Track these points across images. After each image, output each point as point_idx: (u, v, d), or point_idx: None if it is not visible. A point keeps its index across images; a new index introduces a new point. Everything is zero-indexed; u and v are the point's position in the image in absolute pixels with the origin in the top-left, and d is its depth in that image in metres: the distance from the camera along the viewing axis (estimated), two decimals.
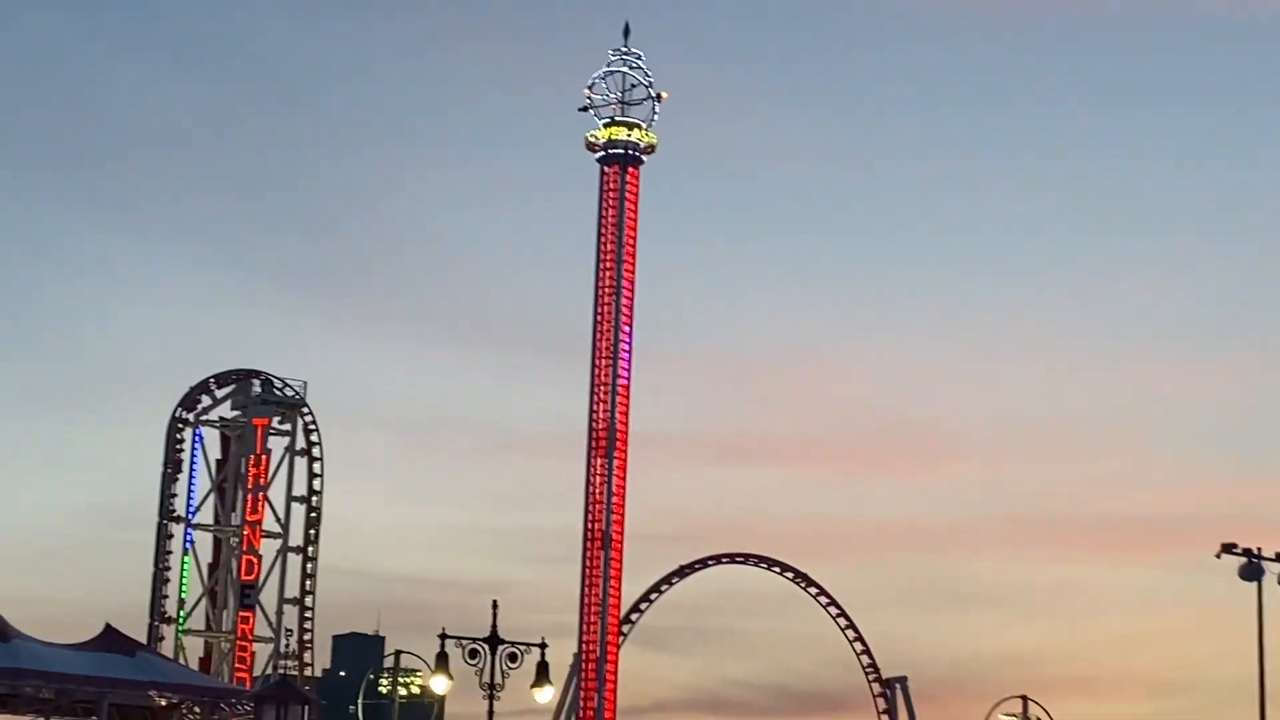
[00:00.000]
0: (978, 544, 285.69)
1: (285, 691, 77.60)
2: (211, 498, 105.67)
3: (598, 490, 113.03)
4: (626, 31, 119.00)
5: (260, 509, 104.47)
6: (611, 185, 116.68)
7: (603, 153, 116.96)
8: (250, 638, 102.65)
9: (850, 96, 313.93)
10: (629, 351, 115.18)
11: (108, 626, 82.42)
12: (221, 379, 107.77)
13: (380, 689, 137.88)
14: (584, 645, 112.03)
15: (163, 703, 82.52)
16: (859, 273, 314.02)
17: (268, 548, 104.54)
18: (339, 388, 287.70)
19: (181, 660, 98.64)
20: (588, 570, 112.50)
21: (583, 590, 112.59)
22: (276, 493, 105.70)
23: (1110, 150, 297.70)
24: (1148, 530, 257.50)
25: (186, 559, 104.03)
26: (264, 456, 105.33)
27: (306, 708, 75.82)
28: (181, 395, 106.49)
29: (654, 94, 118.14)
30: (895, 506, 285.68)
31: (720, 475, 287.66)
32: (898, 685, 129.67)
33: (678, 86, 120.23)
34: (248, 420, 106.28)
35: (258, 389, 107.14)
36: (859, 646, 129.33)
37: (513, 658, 51.23)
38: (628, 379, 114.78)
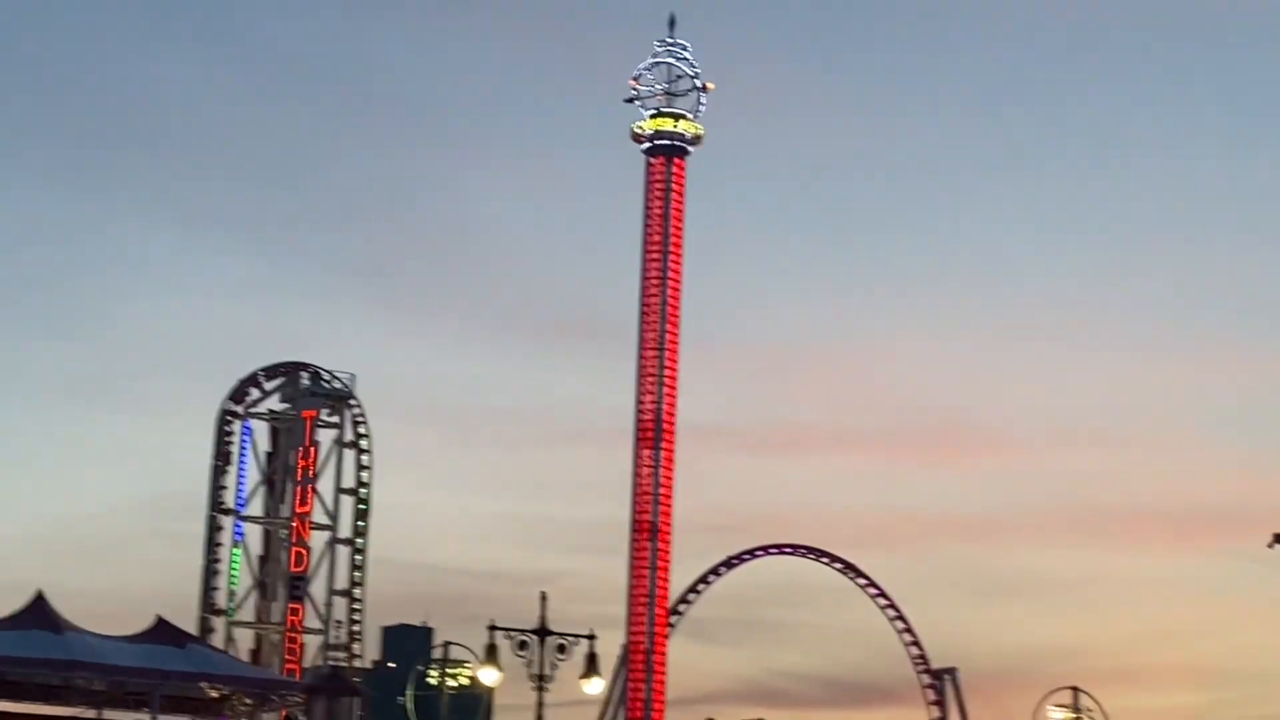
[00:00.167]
0: (1027, 534, 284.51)
1: (335, 683, 77.94)
2: (261, 490, 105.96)
3: (645, 481, 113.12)
4: (672, 23, 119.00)
5: (309, 501, 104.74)
6: (657, 176, 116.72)
7: (649, 144, 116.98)
8: (300, 629, 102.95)
9: (896, 87, 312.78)
10: (675, 342, 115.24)
11: (159, 619, 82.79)
12: (270, 372, 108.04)
13: (429, 680, 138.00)
14: (632, 636, 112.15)
15: (214, 694, 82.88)
16: (905, 263, 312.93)
17: (317, 540, 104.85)
18: (387, 380, 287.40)
19: (231, 652, 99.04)
20: (635, 561, 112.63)
21: (630, 581, 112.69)
22: (325, 485, 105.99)
23: (1145, 141, 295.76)
24: (1198, 520, 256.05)
25: (236, 551, 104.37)
26: (313, 449, 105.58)
27: (356, 699, 76.00)
28: (230, 388, 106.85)
29: (700, 85, 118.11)
30: (944, 497, 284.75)
31: (768, 466, 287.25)
32: (948, 677, 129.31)
33: (724, 77, 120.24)
34: (296, 413, 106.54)
35: (306, 381, 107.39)
36: (908, 638, 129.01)
37: (561, 649, 51.21)
38: (674, 370, 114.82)
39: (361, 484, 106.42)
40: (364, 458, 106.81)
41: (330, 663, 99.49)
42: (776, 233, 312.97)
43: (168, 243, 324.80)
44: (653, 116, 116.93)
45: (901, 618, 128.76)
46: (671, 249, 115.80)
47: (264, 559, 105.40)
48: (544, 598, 51.46)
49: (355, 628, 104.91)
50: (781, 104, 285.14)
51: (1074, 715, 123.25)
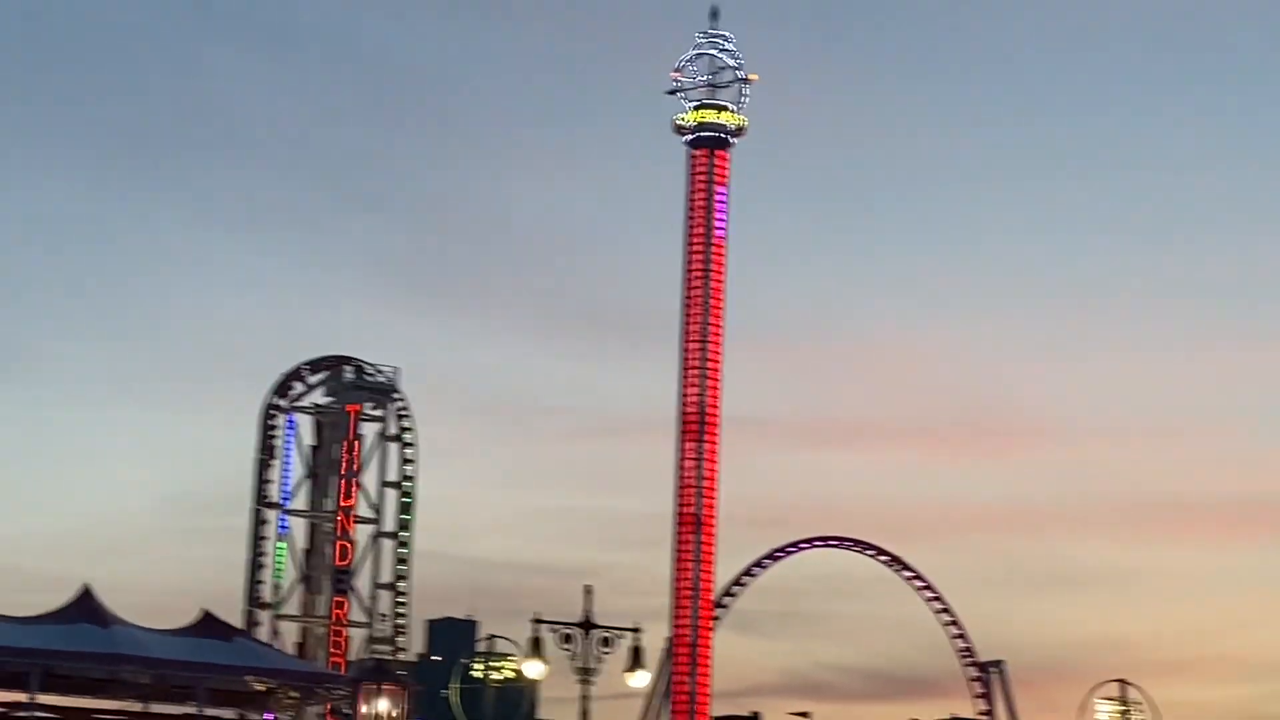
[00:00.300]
0: (1075, 526, 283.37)
1: (381, 675, 77.93)
2: (305, 484, 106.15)
3: (689, 474, 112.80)
4: (714, 14, 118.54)
5: (353, 494, 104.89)
6: (700, 168, 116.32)
7: (691, 136, 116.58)
8: (345, 622, 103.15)
9: (941, 77, 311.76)
10: (719, 335, 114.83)
11: (205, 612, 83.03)
12: (314, 366, 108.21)
13: (474, 673, 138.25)
14: (677, 629, 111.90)
15: (259, 687, 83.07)
16: (949, 255, 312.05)
17: (361, 533, 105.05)
18: (430, 373, 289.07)
19: (277, 645, 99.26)
20: (680, 554, 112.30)
21: (675, 574, 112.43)
22: (369, 478, 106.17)
23: (1192, 132, 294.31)
24: (1246, 512, 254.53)
25: (281, 545, 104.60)
26: (357, 442, 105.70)
27: (402, 692, 76.05)
28: (275, 382, 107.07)
29: (742, 76, 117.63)
30: (989, 489, 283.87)
31: (812, 458, 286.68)
32: (994, 669, 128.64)
33: (766, 68, 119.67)
34: (340, 406, 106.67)
35: (350, 375, 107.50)
36: (954, 630, 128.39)
37: (606, 642, 51.08)
38: (718, 362, 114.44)
39: (405, 477, 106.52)
40: (408, 451, 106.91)
41: (375, 656, 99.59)
42: (819, 224, 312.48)
43: (212, 240, 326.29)
44: (695, 108, 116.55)
45: (947, 610, 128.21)
46: (714, 241, 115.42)
47: (309, 552, 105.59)
48: (588, 591, 51.34)
49: (400, 621, 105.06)
50: (824, 95, 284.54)
51: (1122, 708, 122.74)
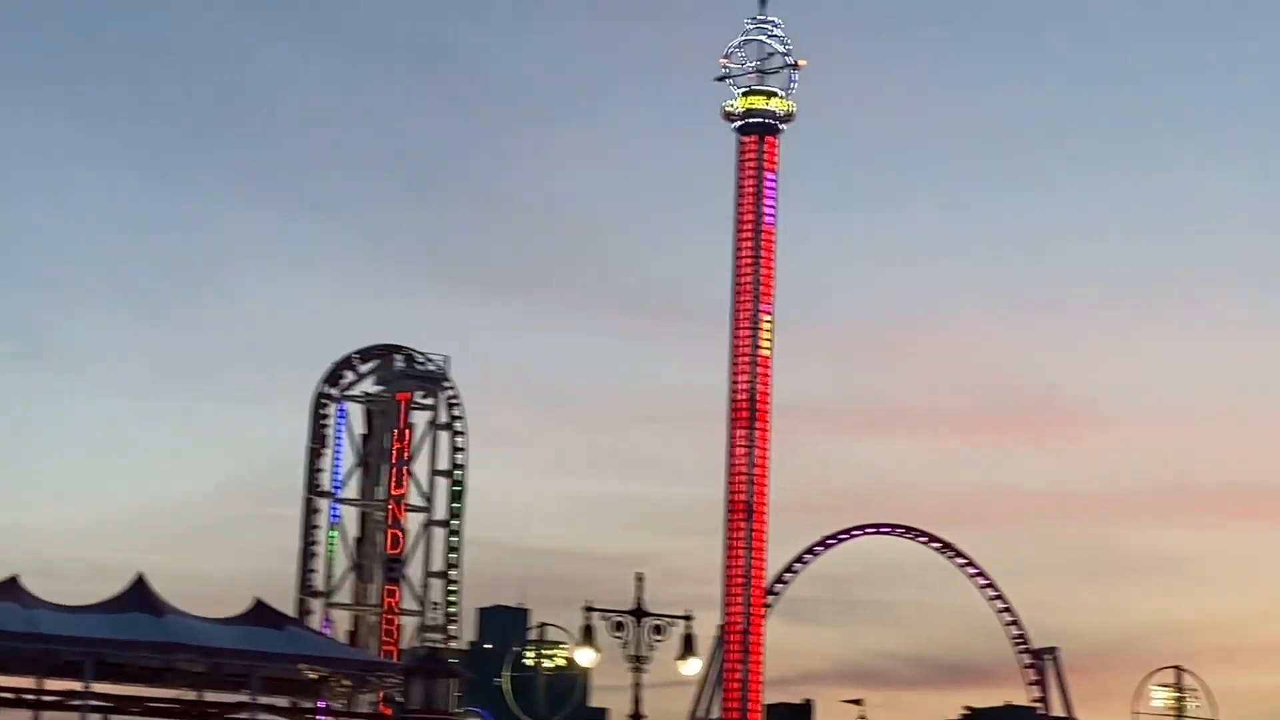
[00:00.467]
0: (1127, 512, 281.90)
1: (433, 664, 77.98)
2: (356, 473, 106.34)
3: (740, 461, 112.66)
4: (763, 0, 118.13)
5: (404, 483, 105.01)
6: (749, 155, 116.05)
7: (740, 122, 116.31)
8: (397, 611, 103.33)
9: (988, 64, 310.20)
10: (769, 322, 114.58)
11: (257, 601, 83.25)
12: (365, 354, 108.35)
13: (526, 661, 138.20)
14: (728, 617, 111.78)
15: (312, 676, 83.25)
16: (1002, 239, 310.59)
17: (412, 521, 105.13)
18: (481, 362, 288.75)
19: (329, 634, 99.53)
20: (731, 541, 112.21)
21: (726, 562, 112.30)
22: (420, 467, 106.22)
23: (1240, 118, 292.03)
24: None
25: (333, 533, 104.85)
26: (407, 431, 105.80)
27: (454, 680, 76.07)
28: (326, 371, 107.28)
29: (791, 62, 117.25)
30: (1042, 475, 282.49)
31: (863, 445, 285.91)
32: (1048, 656, 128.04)
33: (816, 54, 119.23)
34: (391, 395, 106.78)
35: (400, 364, 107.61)
36: (1007, 617, 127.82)
37: (658, 630, 50.99)
38: (768, 350, 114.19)
39: (456, 466, 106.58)
40: (458, 439, 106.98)
41: (427, 644, 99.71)
42: (870, 210, 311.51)
43: (264, 229, 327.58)
44: (744, 95, 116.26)
45: (1001, 597, 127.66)
46: (764, 228, 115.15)
47: (360, 541, 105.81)
48: (640, 578, 51.24)
49: (451, 609, 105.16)
50: (874, 80, 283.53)
51: (1177, 695, 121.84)
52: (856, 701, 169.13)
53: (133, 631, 76.79)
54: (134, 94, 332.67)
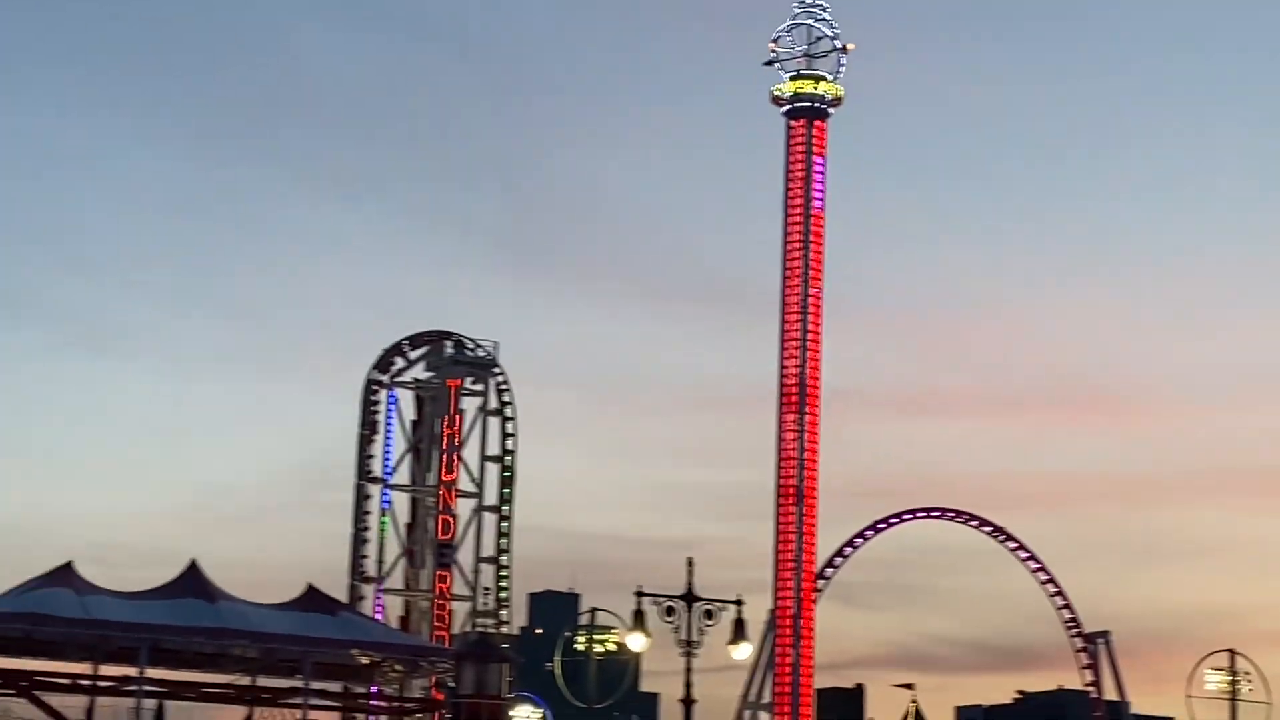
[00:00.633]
0: (1181, 495, 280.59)
1: (484, 649, 78.17)
2: (407, 458, 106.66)
3: (789, 446, 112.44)
4: None
5: (455, 469, 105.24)
6: (798, 139, 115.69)
7: (789, 106, 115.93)
8: (448, 596, 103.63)
9: (1039, 47, 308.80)
10: (818, 306, 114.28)
11: (309, 586, 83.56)
12: (415, 341, 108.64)
13: (577, 646, 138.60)
14: (779, 602, 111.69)
15: (364, 661, 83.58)
16: (1050, 224, 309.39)
17: (463, 507, 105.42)
18: (530, 347, 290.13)
19: (380, 619, 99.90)
20: (781, 526, 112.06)
21: (776, 546, 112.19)
22: (471, 452, 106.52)
23: None
24: None
25: (384, 519, 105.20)
26: (457, 417, 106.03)
27: (505, 665, 76.26)
28: (376, 358, 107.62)
29: (840, 46, 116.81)
30: (1096, 458, 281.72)
31: (914, 429, 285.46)
32: (1101, 640, 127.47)
33: (864, 37, 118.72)
34: (441, 381, 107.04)
35: (450, 350, 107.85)
36: (1059, 601, 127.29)
37: (709, 615, 51.04)
38: (817, 334, 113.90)
39: (506, 451, 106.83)
40: (508, 425, 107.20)
41: (478, 629, 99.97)
42: (919, 194, 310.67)
43: (314, 214, 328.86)
44: (792, 79, 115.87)
45: (1053, 581, 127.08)
46: (813, 212, 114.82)
47: (411, 526, 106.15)
48: (690, 563, 51.29)
49: (503, 594, 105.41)
50: (922, 64, 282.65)
51: (1231, 678, 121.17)
52: (908, 686, 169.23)
53: (187, 617, 77.21)
54: (186, 84, 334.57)
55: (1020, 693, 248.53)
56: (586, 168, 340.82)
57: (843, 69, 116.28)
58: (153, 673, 76.67)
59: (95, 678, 77.51)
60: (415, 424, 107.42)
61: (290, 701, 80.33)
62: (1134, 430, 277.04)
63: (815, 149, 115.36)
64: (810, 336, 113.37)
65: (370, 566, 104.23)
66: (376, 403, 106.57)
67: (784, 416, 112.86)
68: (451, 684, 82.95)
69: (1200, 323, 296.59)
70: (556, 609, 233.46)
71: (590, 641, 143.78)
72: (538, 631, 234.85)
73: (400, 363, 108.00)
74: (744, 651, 53.10)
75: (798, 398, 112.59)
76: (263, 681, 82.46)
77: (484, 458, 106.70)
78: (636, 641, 51.44)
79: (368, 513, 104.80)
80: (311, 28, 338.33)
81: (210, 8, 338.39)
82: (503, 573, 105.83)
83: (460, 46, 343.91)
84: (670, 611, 50.62)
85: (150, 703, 74.72)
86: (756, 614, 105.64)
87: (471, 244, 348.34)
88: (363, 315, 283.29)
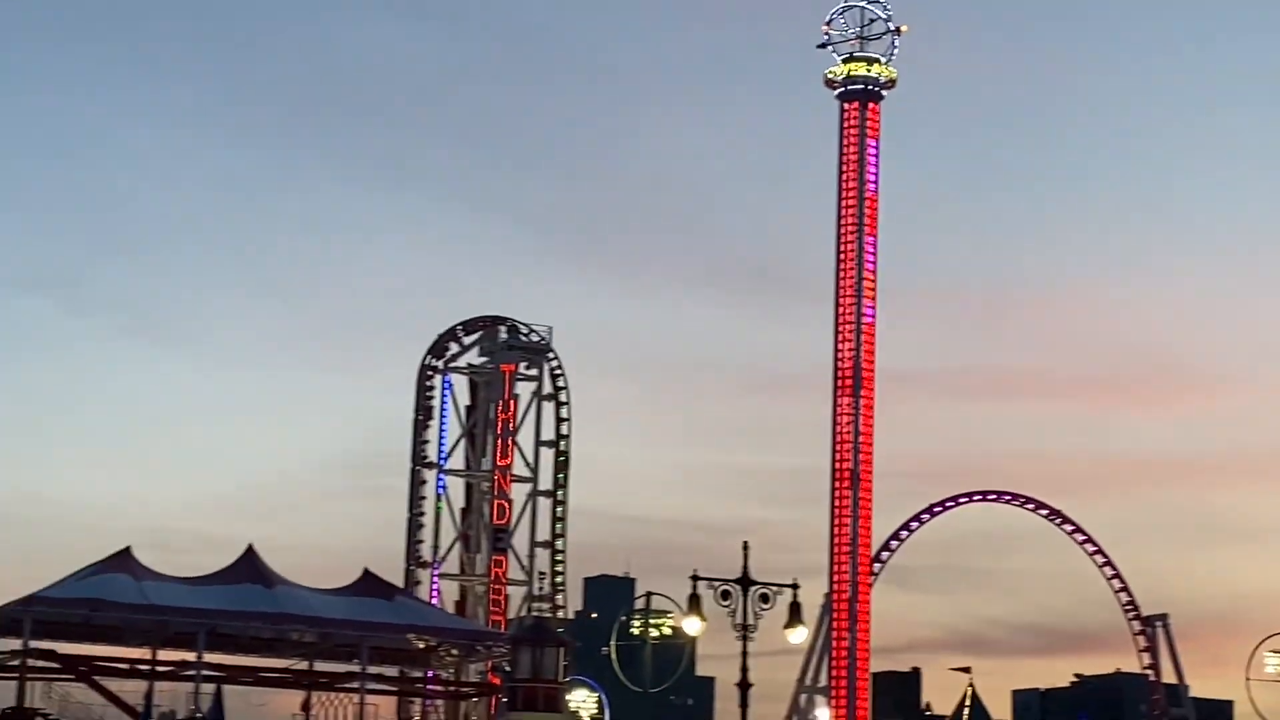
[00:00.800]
0: (1240, 477, 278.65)
1: (540, 633, 78.27)
2: (462, 444, 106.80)
3: (845, 429, 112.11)
4: None
5: (509, 454, 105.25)
6: (851, 122, 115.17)
7: (842, 89, 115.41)
8: (503, 581, 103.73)
9: (1098, 25, 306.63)
10: (873, 289, 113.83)
11: (366, 571, 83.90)
12: (469, 326, 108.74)
13: (632, 630, 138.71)
14: (835, 585, 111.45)
15: (421, 645, 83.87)
16: (1109, 204, 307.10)
17: (518, 492, 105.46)
18: (584, 332, 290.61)
19: (437, 604, 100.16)
20: (837, 510, 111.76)
21: (832, 530, 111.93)
22: (525, 438, 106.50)
23: None
24: None
25: (439, 504, 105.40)
26: (512, 402, 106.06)
27: (561, 649, 76.36)
28: (430, 343, 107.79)
29: (893, 28, 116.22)
30: (1151, 441, 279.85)
31: (969, 412, 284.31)
32: (1159, 623, 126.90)
33: (917, 19, 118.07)
34: (495, 366, 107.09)
35: (504, 335, 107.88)
36: (1117, 584, 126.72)
37: (764, 599, 50.90)
38: (872, 317, 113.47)
39: (561, 436, 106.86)
40: (563, 410, 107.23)
41: (534, 613, 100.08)
42: (974, 176, 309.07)
43: (368, 201, 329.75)
44: (845, 61, 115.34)
45: (1110, 564, 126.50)
46: (867, 195, 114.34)
47: (466, 512, 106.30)
48: (746, 547, 51.18)
49: (558, 579, 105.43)
50: (977, 45, 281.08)
51: None
52: (965, 669, 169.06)
53: (245, 602, 77.68)
54: (240, 70, 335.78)
55: (1077, 676, 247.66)
56: (640, 152, 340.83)
57: (896, 51, 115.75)
58: (210, 657, 77.15)
59: (154, 662, 78.05)
60: (469, 409, 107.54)
61: (347, 686, 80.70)
62: (1191, 412, 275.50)
63: (869, 131, 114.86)
64: (865, 319, 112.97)
65: (426, 551, 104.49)
66: (431, 388, 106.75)
67: (839, 399, 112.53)
68: (507, 668, 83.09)
69: (1261, 305, 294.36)
70: (612, 593, 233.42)
71: (646, 626, 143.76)
72: (593, 616, 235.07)
73: (454, 348, 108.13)
74: (800, 635, 52.94)
75: (853, 381, 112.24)
76: (320, 666, 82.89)
77: (538, 442, 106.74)
78: (692, 625, 51.32)
79: (423, 498, 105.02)
80: (364, 12, 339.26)
81: (274, 4, 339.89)
82: (558, 557, 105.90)
83: (512, 31, 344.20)
84: (726, 595, 50.51)
85: (208, 687, 75.17)
86: (812, 598, 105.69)
87: (525, 229, 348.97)
88: (417, 301, 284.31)
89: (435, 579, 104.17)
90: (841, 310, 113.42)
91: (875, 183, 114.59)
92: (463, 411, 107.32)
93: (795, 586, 51.71)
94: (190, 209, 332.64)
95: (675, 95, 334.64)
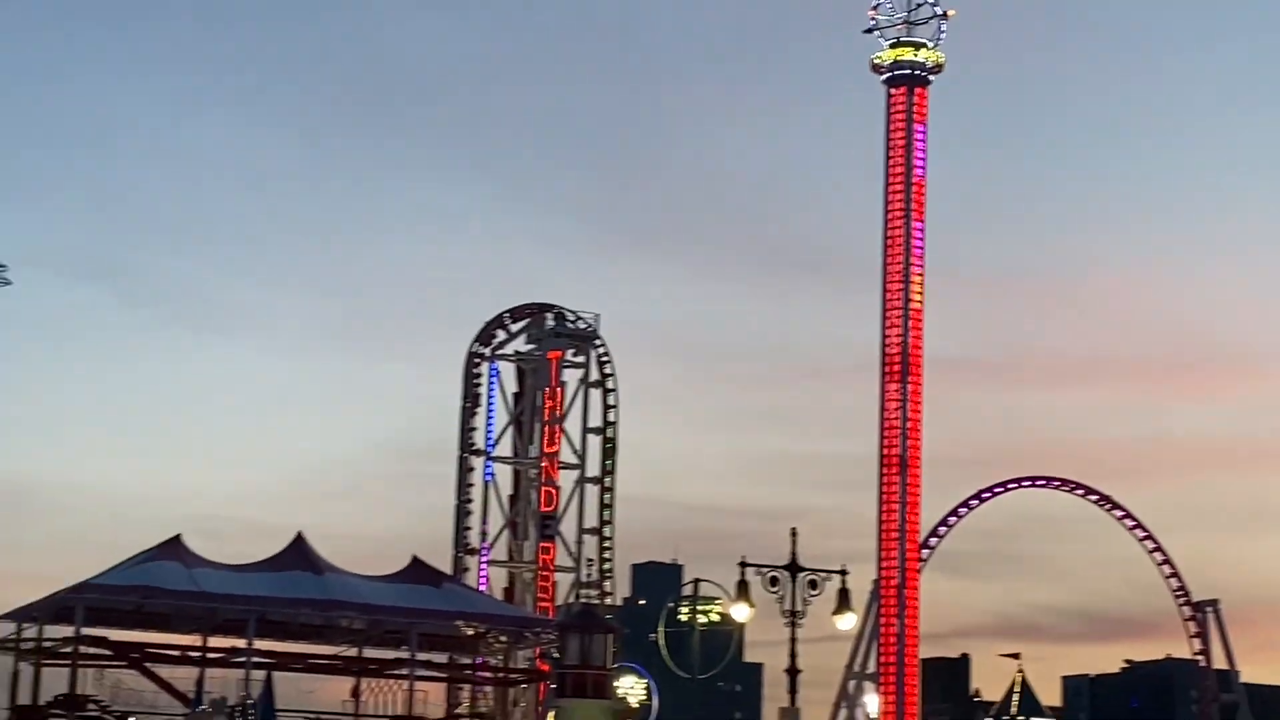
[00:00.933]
0: None
1: (588, 620, 78.26)
2: (509, 431, 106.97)
3: (893, 415, 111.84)
4: None
5: (557, 441, 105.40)
6: (898, 107, 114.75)
7: (889, 74, 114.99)
8: (551, 568, 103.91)
9: (1146, 12, 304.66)
10: (920, 275, 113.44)
11: (414, 559, 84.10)
12: (516, 314, 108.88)
13: (680, 617, 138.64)
14: (883, 571, 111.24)
15: (469, 632, 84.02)
16: (1157, 189, 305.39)
17: (565, 479, 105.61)
18: (632, 319, 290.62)
19: (485, 590, 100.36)
20: (885, 496, 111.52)
21: (880, 516, 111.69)
22: (572, 424, 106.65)
23: None
24: None
25: (487, 491, 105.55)
26: (559, 389, 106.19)
27: (609, 636, 76.36)
28: (478, 331, 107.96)
29: (940, 12, 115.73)
30: (1201, 426, 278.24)
31: (1017, 397, 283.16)
32: (1209, 609, 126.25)
33: (964, 4, 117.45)
34: (542, 354, 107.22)
35: (551, 323, 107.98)
36: (1167, 569, 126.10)
37: (813, 585, 50.85)
38: (920, 303, 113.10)
39: (608, 423, 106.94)
40: (610, 397, 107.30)
41: (582, 600, 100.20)
42: (1022, 161, 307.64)
43: (414, 189, 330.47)
44: (892, 46, 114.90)
45: (1160, 549, 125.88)
46: (914, 180, 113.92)
47: (514, 498, 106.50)
48: (794, 533, 51.13)
49: (606, 565, 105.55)
50: (1024, 30, 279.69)
51: None
52: (1014, 655, 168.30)
53: (294, 590, 77.95)
54: (292, 62, 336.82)
55: (1128, 662, 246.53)
56: (686, 139, 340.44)
57: (943, 36, 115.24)
58: (260, 644, 77.47)
59: (204, 649, 78.42)
60: (517, 396, 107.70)
61: (396, 672, 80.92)
62: (1241, 397, 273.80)
63: (916, 117, 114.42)
64: (912, 305, 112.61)
65: (474, 539, 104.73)
66: (478, 376, 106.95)
67: (887, 385, 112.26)
68: (556, 655, 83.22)
69: None
70: (659, 580, 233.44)
71: (694, 612, 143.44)
72: (641, 602, 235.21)
73: (501, 335, 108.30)
74: (848, 622, 52.90)
75: (900, 366, 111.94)
76: (369, 653, 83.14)
77: (586, 429, 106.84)
78: (740, 612, 51.31)
79: (471, 485, 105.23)
80: (420, 13, 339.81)
81: None
82: (605, 544, 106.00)
83: (560, 22, 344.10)
84: (774, 582, 50.49)
85: (258, 674, 75.50)
86: (861, 584, 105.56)
87: (571, 216, 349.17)
88: (464, 289, 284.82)
89: (483, 566, 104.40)
90: (889, 296, 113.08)
91: (923, 168, 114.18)
92: (510, 399, 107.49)
93: (844, 573, 51.67)
94: (243, 200, 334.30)
95: (722, 83, 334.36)
